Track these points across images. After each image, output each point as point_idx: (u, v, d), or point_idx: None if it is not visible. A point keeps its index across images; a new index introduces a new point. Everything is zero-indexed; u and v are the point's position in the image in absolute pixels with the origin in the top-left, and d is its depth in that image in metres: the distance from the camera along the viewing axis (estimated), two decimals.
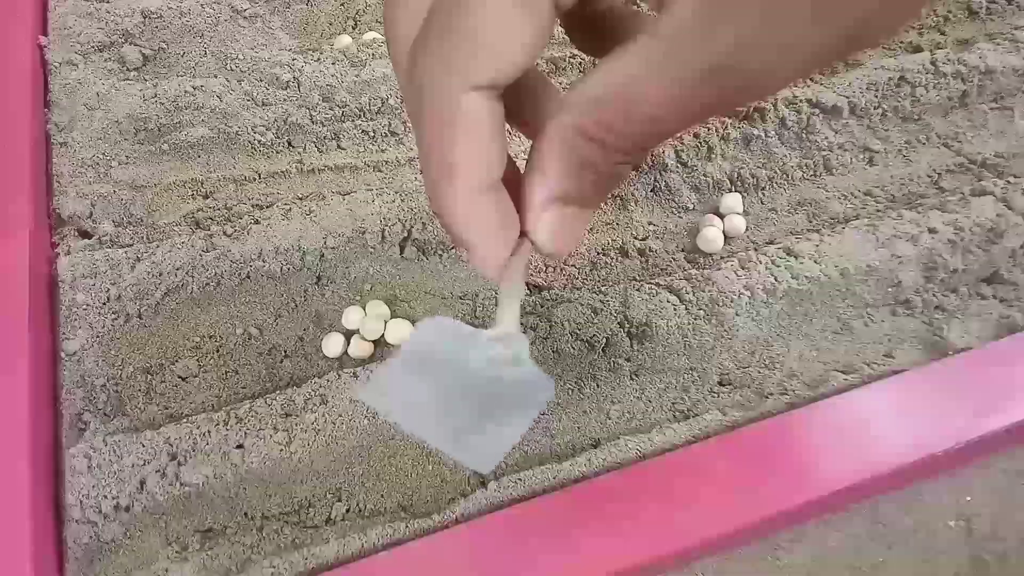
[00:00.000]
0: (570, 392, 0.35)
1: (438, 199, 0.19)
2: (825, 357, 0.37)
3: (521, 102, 0.20)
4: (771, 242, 0.41)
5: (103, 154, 0.42)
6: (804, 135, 0.43)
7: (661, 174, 0.42)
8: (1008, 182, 0.41)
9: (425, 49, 0.17)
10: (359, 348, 0.36)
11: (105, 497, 0.32)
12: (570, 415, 0.35)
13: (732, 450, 0.32)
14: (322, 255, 0.38)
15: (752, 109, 0.43)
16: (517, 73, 0.17)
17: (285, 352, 0.37)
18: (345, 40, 0.48)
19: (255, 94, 0.44)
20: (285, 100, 0.44)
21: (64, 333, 0.36)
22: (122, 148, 0.42)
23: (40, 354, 0.35)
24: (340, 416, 0.34)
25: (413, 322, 0.38)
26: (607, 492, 0.31)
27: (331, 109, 0.44)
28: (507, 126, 0.20)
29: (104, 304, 0.37)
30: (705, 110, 0.17)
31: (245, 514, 0.32)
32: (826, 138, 0.44)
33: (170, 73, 0.46)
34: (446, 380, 0.20)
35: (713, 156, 0.43)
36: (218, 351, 0.37)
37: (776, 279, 0.37)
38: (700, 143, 0.42)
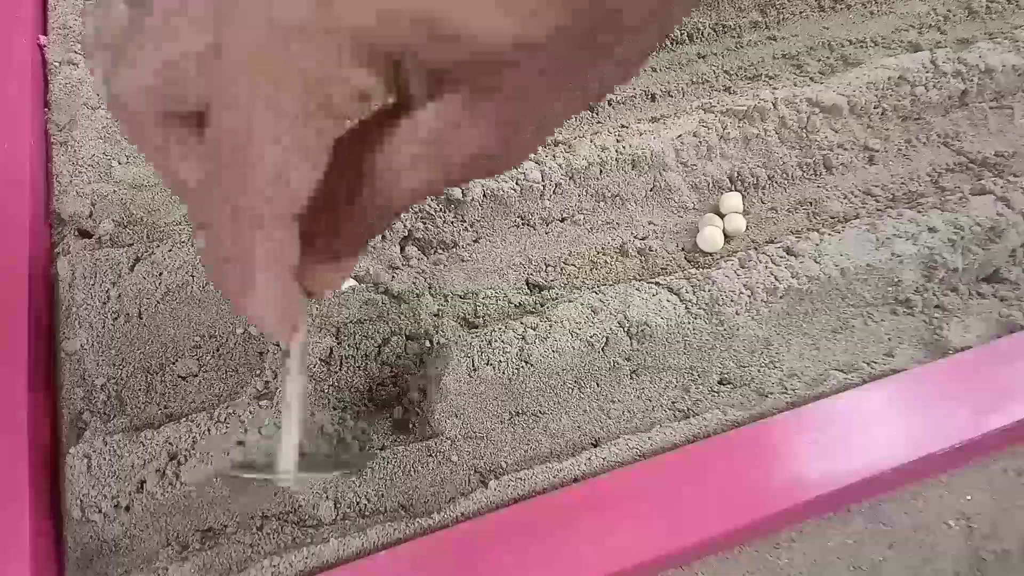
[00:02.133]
0: (570, 392, 0.35)
1: (237, 304, 0.20)
2: (825, 356, 0.37)
3: None
4: (771, 241, 0.41)
5: (103, 153, 0.42)
6: (804, 134, 0.43)
7: (661, 173, 0.42)
8: (1008, 181, 0.41)
9: (211, 187, 0.18)
10: None
11: (105, 497, 0.32)
12: (570, 414, 0.35)
13: (732, 449, 0.32)
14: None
15: (752, 108, 0.43)
16: (304, 205, 0.18)
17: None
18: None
19: None
20: None
21: (64, 333, 0.36)
22: (122, 148, 0.42)
23: (40, 354, 0.35)
24: None
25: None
26: (607, 491, 0.31)
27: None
28: None
29: (104, 304, 0.37)
30: (452, 185, 0.20)
31: (245, 513, 0.32)
32: (826, 137, 0.44)
33: None
34: None
35: (713, 155, 0.43)
36: (218, 351, 0.37)
37: (776, 278, 0.37)
38: (700, 142, 0.42)
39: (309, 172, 0.18)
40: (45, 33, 0.46)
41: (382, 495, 0.33)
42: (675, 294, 0.37)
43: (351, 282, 0.35)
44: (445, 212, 0.40)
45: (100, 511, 0.31)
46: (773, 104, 0.43)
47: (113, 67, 0.19)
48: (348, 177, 0.19)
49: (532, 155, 0.20)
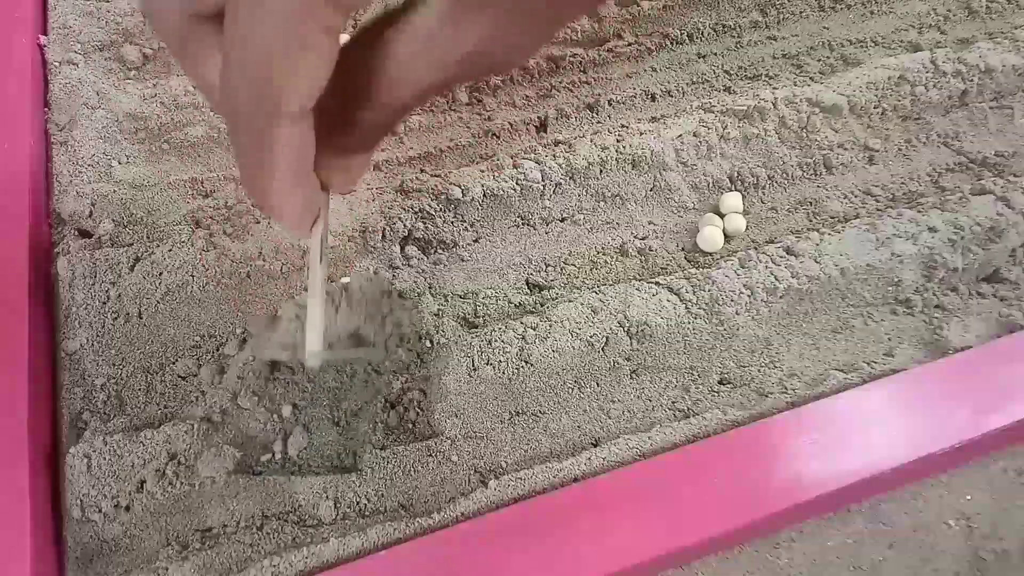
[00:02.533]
0: (570, 391, 0.35)
1: (257, 197, 0.22)
2: (825, 356, 0.37)
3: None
4: (771, 241, 0.41)
5: (103, 153, 0.42)
6: (804, 134, 0.43)
7: (661, 173, 0.42)
8: (1008, 181, 0.41)
9: (229, 84, 0.19)
10: None
11: (105, 496, 0.32)
12: (570, 414, 0.35)
13: (732, 449, 0.32)
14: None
15: (752, 108, 0.43)
16: (316, 98, 0.19)
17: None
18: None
19: None
20: None
21: (64, 333, 0.36)
22: (122, 147, 0.42)
23: (40, 354, 0.35)
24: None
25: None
26: (607, 491, 0.31)
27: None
28: None
29: (104, 304, 0.37)
30: (457, 82, 0.21)
31: (245, 513, 0.32)
32: (826, 137, 0.44)
33: (170, 72, 0.46)
34: None
35: (713, 155, 0.43)
36: (218, 350, 0.37)
37: (776, 278, 0.37)
38: (700, 142, 0.42)
39: (318, 65, 0.19)
40: (45, 33, 0.46)
41: (382, 495, 0.33)
42: (675, 294, 0.37)
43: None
44: (445, 212, 0.40)
45: (100, 511, 0.31)
46: (773, 104, 0.43)
47: None
48: (356, 75, 0.20)
49: (530, 57, 0.22)
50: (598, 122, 0.45)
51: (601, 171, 0.41)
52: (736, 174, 0.43)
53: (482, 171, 0.41)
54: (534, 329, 0.35)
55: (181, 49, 0.21)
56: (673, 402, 0.35)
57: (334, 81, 0.19)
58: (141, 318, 0.37)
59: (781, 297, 0.37)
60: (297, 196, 0.22)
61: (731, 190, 0.43)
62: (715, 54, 0.48)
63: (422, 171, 0.42)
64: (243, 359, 0.33)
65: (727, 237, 0.41)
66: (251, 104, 0.19)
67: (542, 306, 0.38)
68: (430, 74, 0.20)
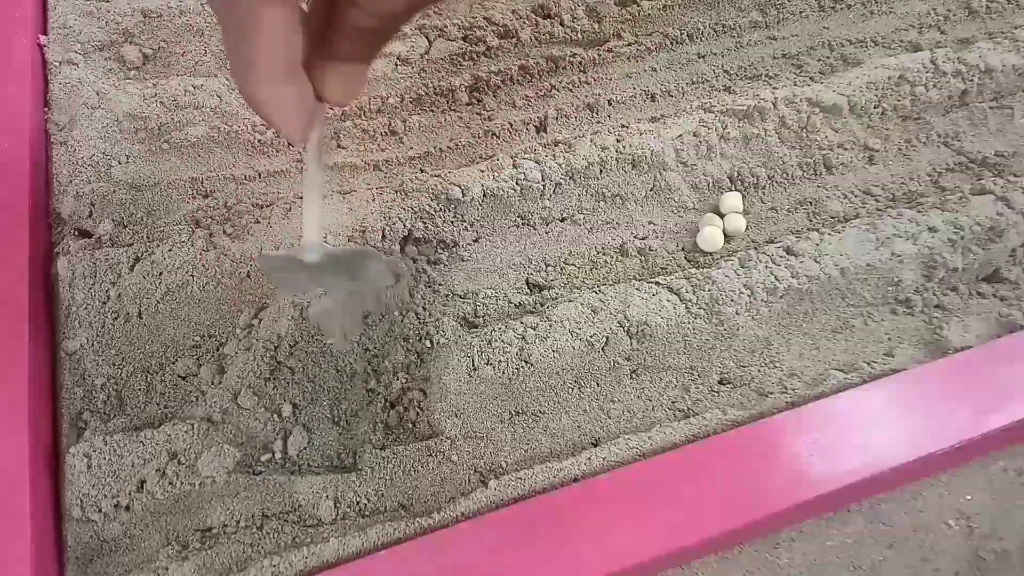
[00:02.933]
0: (570, 391, 0.35)
1: (245, 90, 0.22)
2: (825, 356, 0.37)
3: None
4: (771, 241, 0.41)
5: (103, 153, 0.42)
6: (804, 134, 0.43)
7: (661, 173, 0.42)
8: (1008, 181, 0.41)
9: None
10: None
11: (105, 496, 0.32)
12: (570, 414, 0.35)
13: (732, 449, 0.32)
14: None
15: (752, 108, 0.43)
16: None
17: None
18: None
19: None
20: None
21: (64, 333, 0.36)
22: (122, 147, 0.42)
23: (40, 354, 0.35)
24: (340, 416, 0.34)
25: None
26: (607, 491, 0.31)
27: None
28: None
29: (104, 303, 0.37)
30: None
31: (245, 513, 0.32)
32: (826, 137, 0.44)
33: (170, 72, 0.46)
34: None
35: (713, 155, 0.43)
36: (218, 350, 0.37)
37: (776, 278, 0.37)
38: (700, 142, 0.42)
39: None
40: (45, 33, 0.46)
41: (382, 495, 0.33)
42: (675, 294, 0.37)
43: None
44: (445, 212, 0.40)
45: (100, 510, 0.31)
46: (773, 104, 0.43)
47: None
48: None
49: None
50: (598, 122, 0.45)
51: (601, 171, 0.41)
52: (736, 174, 0.43)
53: (482, 171, 0.41)
54: (534, 329, 0.35)
55: None
56: (673, 402, 0.35)
57: None
58: (141, 318, 0.37)
59: (781, 297, 0.37)
60: (287, 92, 0.22)
61: (731, 190, 0.43)
62: (715, 54, 0.48)
63: (422, 171, 0.42)
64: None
65: (727, 237, 0.41)
66: None
67: (542, 306, 0.38)
68: None
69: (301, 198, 0.41)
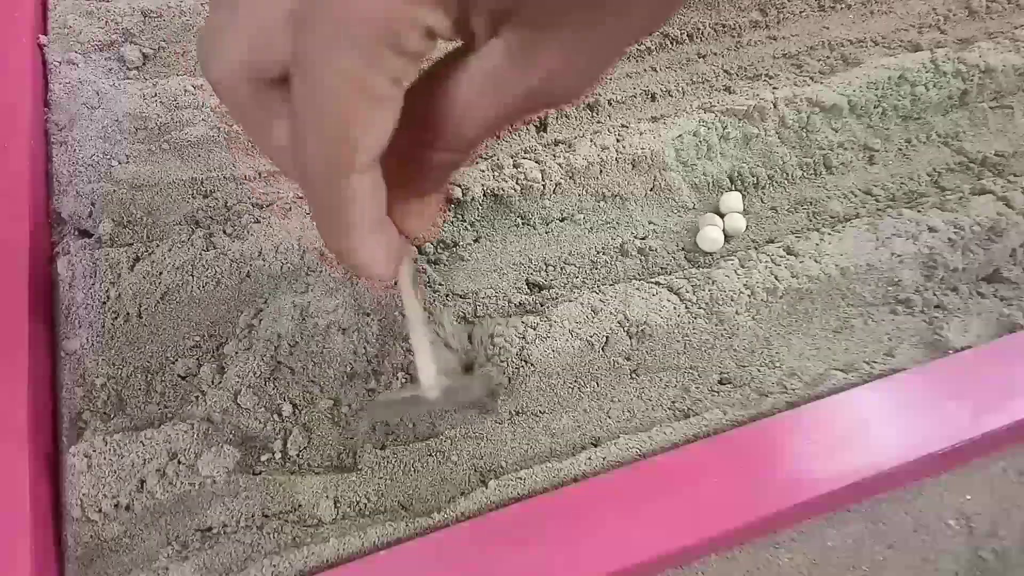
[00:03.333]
0: (570, 391, 0.35)
1: (337, 249, 0.22)
2: (825, 356, 0.37)
3: None
4: (771, 241, 0.41)
5: (103, 153, 0.42)
6: (804, 134, 0.43)
7: (661, 173, 0.42)
8: (1008, 181, 0.41)
9: (301, 144, 0.20)
10: None
11: (105, 496, 0.32)
12: (570, 414, 0.35)
13: (732, 449, 0.32)
14: (322, 254, 0.38)
15: (752, 108, 0.43)
16: (385, 146, 0.20)
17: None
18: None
19: None
20: None
21: (64, 332, 0.36)
22: (122, 147, 0.42)
23: (40, 353, 0.35)
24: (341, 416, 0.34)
25: None
26: (607, 491, 0.31)
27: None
28: None
29: (104, 303, 0.37)
30: (522, 115, 0.21)
31: (245, 513, 0.32)
32: (826, 137, 0.44)
33: (170, 72, 0.46)
34: None
35: (713, 155, 0.43)
36: (218, 350, 0.37)
37: (776, 278, 0.37)
38: (700, 142, 0.42)
39: (386, 116, 0.19)
40: (45, 33, 0.46)
41: (382, 494, 0.33)
42: (675, 294, 0.37)
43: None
44: (445, 212, 0.40)
45: (100, 510, 0.31)
46: (773, 104, 0.43)
47: (207, 46, 0.20)
48: (423, 118, 0.21)
49: (592, 87, 0.22)
50: (598, 122, 0.45)
51: (601, 171, 0.41)
52: (736, 174, 0.43)
53: (482, 171, 0.41)
54: (534, 329, 0.35)
55: (245, 116, 0.21)
56: (673, 402, 0.35)
57: (402, 125, 0.20)
58: (141, 318, 0.37)
59: (781, 297, 0.37)
60: (379, 245, 0.22)
61: (731, 190, 0.43)
62: (715, 54, 0.48)
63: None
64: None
65: (727, 237, 0.41)
66: (324, 161, 0.19)
67: (542, 306, 0.38)
68: (496, 111, 0.20)
69: (301, 198, 0.41)
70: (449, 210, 0.40)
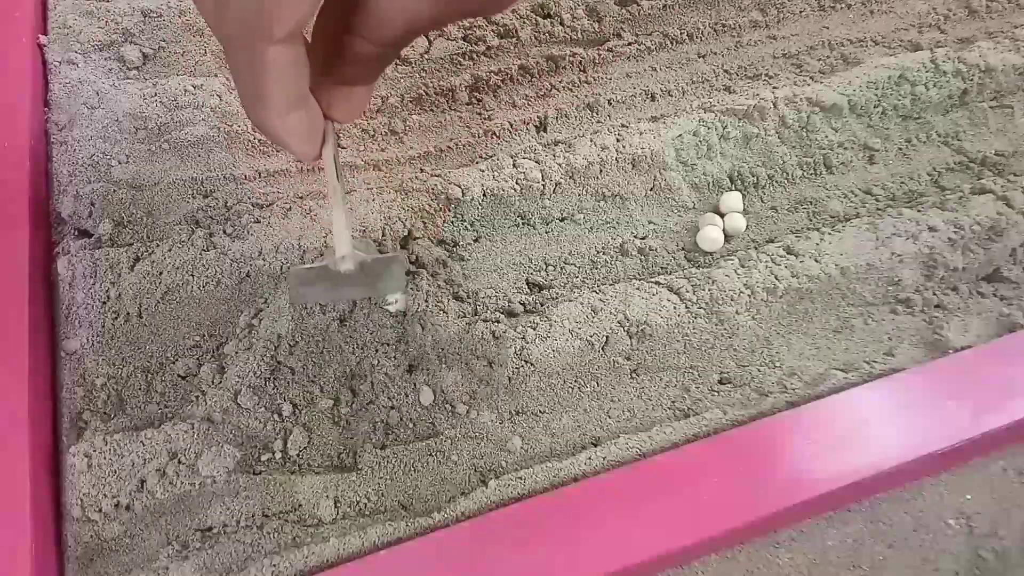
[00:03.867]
0: (570, 391, 0.35)
1: (256, 119, 0.23)
2: (825, 355, 0.37)
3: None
4: (771, 240, 0.41)
5: (103, 153, 0.42)
6: (804, 133, 0.43)
7: (661, 173, 0.42)
8: (1008, 180, 0.41)
9: (224, 10, 0.20)
10: None
11: (105, 496, 0.32)
12: (570, 414, 0.35)
13: (732, 448, 0.32)
14: (322, 253, 0.38)
15: (752, 108, 0.43)
16: (308, 20, 0.21)
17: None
18: None
19: None
20: None
21: (64, 332, 0.36)
22: (122, 147, 0.42)
23: (40, 353, 0.35)
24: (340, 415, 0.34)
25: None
26: (607, 490, 0.31)
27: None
28: None
29: (104, 303, 0.37)
30: (446, 20, 0.22)
31: (245, 512, 0.32)
32: (826, 136, 0.44)
33: (170, 72, 0.46)
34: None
35: (713, 155, 0.43)
36: (218, 350, 0.37)
37: (776, 278, 0.37)
38: (700, 141, 0.42)
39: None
40: (45, 33, 0.46)
41: (382, 494, 0.33)
42: (675, 293, 0.37)
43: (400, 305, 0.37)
44: (445, 211, 0.40)
45: (100, 510, 0.31)
46: (773, 103, 0.43)
47: None
48: (349, 9, 0.21)
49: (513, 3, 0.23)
50: (598, 122, 0.45)
51: (601, 171, 0.41)
52: (736, 173, 0.43)
53: (482, 171, 0.41)
54: (534, 329, 0.35)
55: None
56: (673, 401, 0.35)
57: (328, 12, 0.20)
58: (141, 318, 0.37)
59: (781, 297, 0.37)
60: (297, 119, 0.23)
61: (731, 189, 0.43)
62: (715, 54, 0.48)
63: (422, 171, 0.42)
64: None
65: (727, 237, 0.41)
66: (242, 26, 0.20)
67: (542, 306, 0.38)
68: (419, 8, 0.21)
69: (301, 198, 0.41)
70: (449, 209, 0.40)
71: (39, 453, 0.32)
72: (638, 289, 0.37)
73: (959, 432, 0.33)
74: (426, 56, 0.46)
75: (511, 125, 0.44)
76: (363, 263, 0.30)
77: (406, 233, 0.39)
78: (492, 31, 0.47)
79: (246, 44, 0.21)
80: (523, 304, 0.38)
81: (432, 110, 0.45)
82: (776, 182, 0.43)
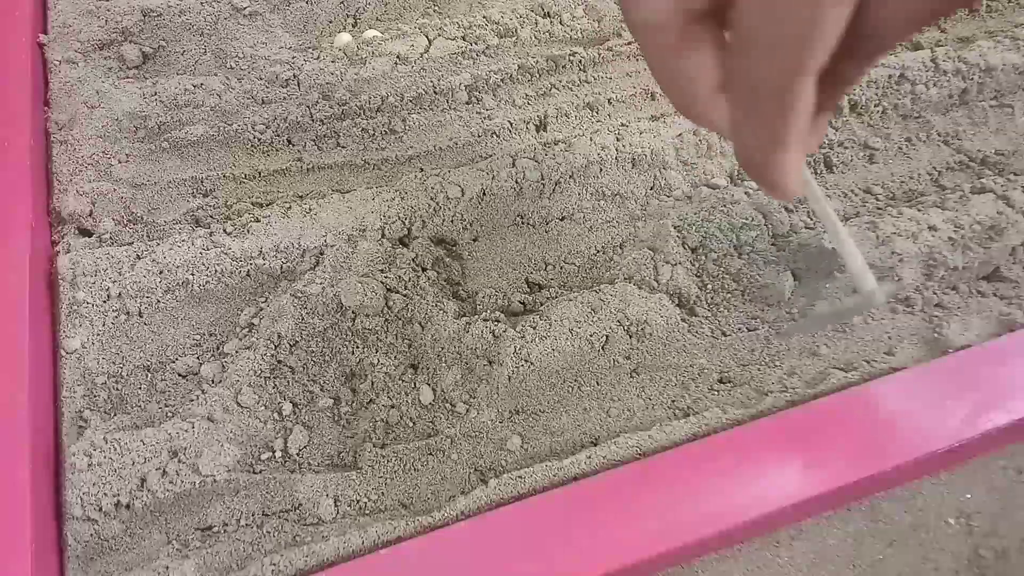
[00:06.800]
0: (570, 390, 0.35)
1: (764, 158, 0.22)
2: (825, 355, 0.37)
3: None
4: None
5: (103, 152, 0.42)
6: None
7: (661, 172, 0.42)
8: (1008, 179, 0.41)
9: (753, 49, 0.20)
10: None
11: (106, 495, 0.32)
12: (570, 413, 0.35)
13: (732, 448, 0.32)
14: (322, 253, 0.38)
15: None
16: (834, 48, 0.20)
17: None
18: (345, 38, 0.48)
19: (255, 92, 0.44)
20: (285, 98, 0.44)
21: (64, 331, 0.36)
22: (122, 146, 0.42)
23: (40, 352, 0.35)
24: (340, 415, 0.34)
25: None
26: (607, 490, 0.31)
27: (331, 107, 0.44)
28: None
29: (105, 302, 0.37)
30: (937, 15, 0.21)
31: (246, 511, 0.32)
32: (826, 136, 0.44)
33: (170, 71, 0.46)
34: None
35: (713, 154, 0.43)
36: (219, 349, 0.37)
37: None
38: (700, 141, 0.42)
39: (842, 12, 0.19)
40: (45, 32, 0.46)
41: (382, 493, 0.33)
42: (675, 292, 0.37)
43: None
44: (444, 210, 0.40)
45: (101, 509, 0.31)
46: None
47: None
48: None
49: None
50: (598, 121, 0.45)
51: (601, 170, 0.41)
52: (736, 173, 0.43)
53: (481, 170, 0.41)
54: (534, 328, 0.35)
55: (666, 53, 0.22)
56: (673, 401, 0.35)
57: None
58: (142, 316, 0.37)
59: None
60: (798, 163, 0.22)
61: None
62: None
63: (422, 170, 0.42)
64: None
65: None
66: (777, 65, 0.20)
67: (542, 305, 0.38)
68: (915, 7, 0.20)
69: (301, 198, 0.41)
70: (448, 208, 0.40)
71: (39, 452, 0.32)
72: (638, 288, 0.37)
73: (959, 431, 0.33)
74: (425, 55, 0.46)
75: (510, 124, 0.44)
76: (888, 292, 0.30)
77: (405, 232, 0.39)
78: (492, 30, 0.47)
79: (779, 83, 0.20)
80: (523, 303, 0.38)
81: (431, 109, 0.45)
82: None
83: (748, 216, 0.38)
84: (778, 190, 0.23)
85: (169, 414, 0.35)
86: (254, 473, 0.33)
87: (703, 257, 0.38)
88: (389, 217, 0.39)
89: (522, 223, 0.41)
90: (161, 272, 0.37)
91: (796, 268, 0.38)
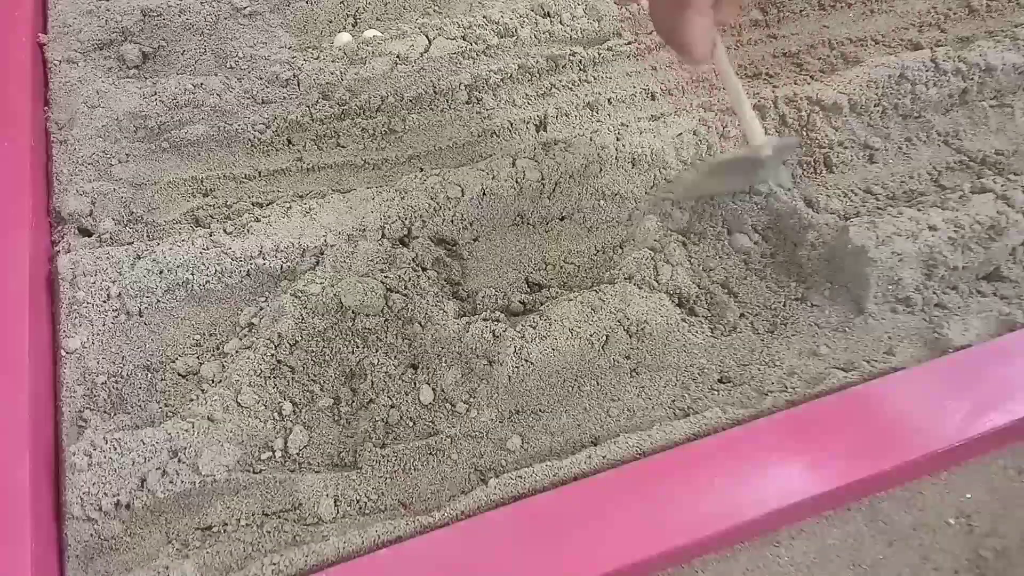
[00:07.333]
0: (570, 390, 0.35)
1: (669, 24, 0.27)
2: (825, 355, 0.37)
3: None
4: None
5: (103, 152, 0.42)
6: (804, 132, 0.43)
7: (661, 172, 0.42)
8: (1008, 179, 0.41)
9: None
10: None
11: (106, 494, 0.32)
12: (570, 413, 0.35)
13: (732, 447, 0.32)
14: (322, 252, 0.38)
15: (752, 107, 0.43)
16: None
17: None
18: (345, 38, 0.48)
19: (255, 92, 0.44)
20: (285, 98, 0.44)
21: (64, 331, 0.36)
22: (122, 146, 0.42)
23: (40, 352, 0.35)
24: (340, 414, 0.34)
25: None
26: (607, 489, 0.31)
27: (330, 107, 0.44)
28: None
29: (105, 302, 0.37)
30: None
31: (246, 511, 0.32)
32: (826, 136, 0.44)
33: (170, 71, 0.46)
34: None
35: (713, 154, 0.43)
36: (219, 348, 0.37)
37: None
38: (700, 141, 0.42)
39: None
40: (45, 32, 0.46)
41: (382, 493, 0.33)
42: (675, 292, 0.37)
43: None
44: (444, 210, 0.40)
45: (101, 509, 0.31)
46: (773, 102, 0.43)
47: None
48: None
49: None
50: (598, 121, 0.45)
51: (601, 170, 0.41)
52: None
53: (481, 170, 0.41)
54: (534, 328, 0.35)
55: None
56: (673, 400, 0.35)
57: None
58: (142, 316, 0.37)
59: None
60: (704, 28, 0.26)
61: None
62: None
63: (421, 170, 0.42)
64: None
65: None
66: None
67: (542, 305, 0.38)
68: None
69: (301, 197, 0.41)
70: (449, 208, 0.40)
71: (39, 452, 0.32)
72: (638, 288, 0.37)
73: (959, 431, 0.33)
74: (425, 55, 0.46)
75: (511, 124, 0.44)
76: (776, 146, 0.33)
77: (405, 232, 0.39)
78: (492, 30, 0.47)
79: None
80: (523, 303, 0.38)
81: (431, 109, 0.45)
82: None
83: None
84: (686, 52, 0.27)
85: (169, 414, 0.35)
86: (254, 473, 0.33)
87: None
88: (389, 217, 0.39)
89: (522, 223, 0.41)
90: (161, 272, 0.37)
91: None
